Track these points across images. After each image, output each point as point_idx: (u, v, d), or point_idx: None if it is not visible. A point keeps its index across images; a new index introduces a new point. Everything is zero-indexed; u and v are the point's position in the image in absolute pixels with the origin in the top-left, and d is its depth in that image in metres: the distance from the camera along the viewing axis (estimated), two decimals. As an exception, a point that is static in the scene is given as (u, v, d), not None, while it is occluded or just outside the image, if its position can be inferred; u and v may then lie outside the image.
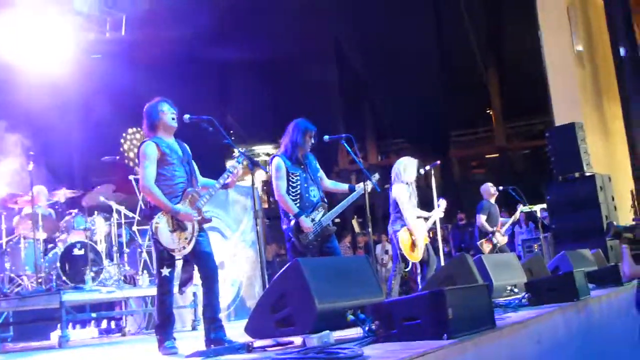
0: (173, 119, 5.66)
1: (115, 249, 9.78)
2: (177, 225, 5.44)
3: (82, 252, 9.05)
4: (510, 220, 11.47)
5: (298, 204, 6.57)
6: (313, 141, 6.73)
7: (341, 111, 25.10)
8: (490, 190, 11.28)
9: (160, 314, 5.53)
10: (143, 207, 5.54)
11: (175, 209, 5.42)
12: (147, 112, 5.69)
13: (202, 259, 5.58)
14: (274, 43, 22.35)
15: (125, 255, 9.94)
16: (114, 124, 19.51)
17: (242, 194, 11.59)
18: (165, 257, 5.48)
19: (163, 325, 5.52)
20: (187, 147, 5.83)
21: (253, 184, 6.00)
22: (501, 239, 10.96)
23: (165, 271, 5.49)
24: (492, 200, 11.26)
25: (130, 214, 10.14)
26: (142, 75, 20.40)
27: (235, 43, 22.09)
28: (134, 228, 10.24)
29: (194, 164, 5.81)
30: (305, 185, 6.66)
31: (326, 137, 6.93)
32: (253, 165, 5.69)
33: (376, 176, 7.04)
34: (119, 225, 9.98)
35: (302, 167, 6.71)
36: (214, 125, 5.70)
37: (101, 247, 9.45)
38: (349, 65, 24.15)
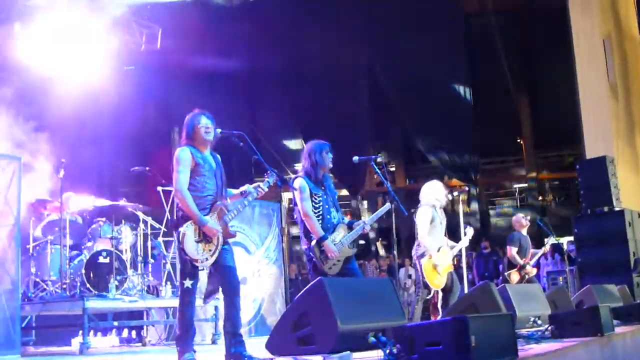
0: (207, 132, 5.68)
1: (140, 259, 9.85)
2: (203, 236, 5.47)
3: (107, 260, 9.12)
4: (540, 253, 11.35)
5: (321, 226, 6.58)
6: (331, 155, 6.76)
7: (370, 134, 25.12)
8: (522, 221, 11.19)
9: (182, 325, 5.53)
10: (170, 217, 5.59)
11: (202, 220, 5.45)
12: (186, 122, 5.75)
13: (224, 273, 5.59)
14: (305, 65, 22.47)
15: (150, 265, 9.99)
16: (144, 135, 19.72)
17: (268, 211, 11.61)
18: (188, 267, 5.48)
19: (183, 337, 5.51)
20: (219, 159, 5.86)
21: (280, 201, 6.02)
22: (530, 270, 10.86)
23: (188, 283, 5.48)
24: (524, 232, 11.16)
25: (157, 225, 10.20)
26: (173, 87, 20.64)
27: (267, 62, 22.25)
28: (160, 239, 10.30)
29: (224, 176, 5.83)
30: (327, 206, 6.68)
31: (355, 158, 6.94)
32: (282, 182, 5.70)
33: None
34: (145, 236, 10.05)
35: (323, 188, 6.74)
36: (244, 140, 5.72)
37: (126, 257, 9.51)
38: (379, 89, 24.16)
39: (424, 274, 8.32)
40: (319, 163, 6.69)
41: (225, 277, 5.60)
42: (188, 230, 5.43)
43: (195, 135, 5.67)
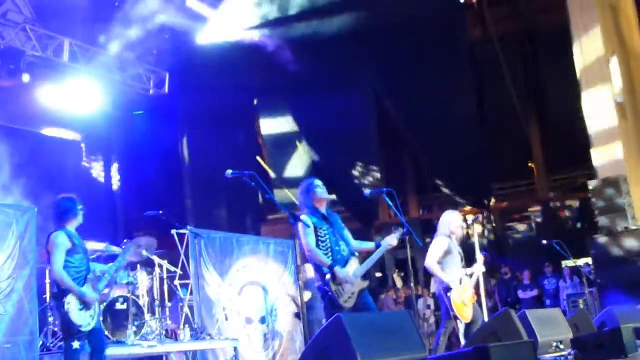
0: (82, 215, 6.66)
1: (157, 303, 9.81)
2: (84, 304, 6.33)
3: (124, 306, 9.10)
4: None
5: (330, 258, 6.57)
6: (320, 190, 6.81)
7: (381, 164, 25.05)
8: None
9: None
10: (54, 288, 6.40)
11: (82, 292, 6.30)
12: (61, 206, 6.57)
13: (96, 336, 6.56)
14: (310, 92, 22.46)
15: (167, 309, 9.96)
16: (155, 178, 19.77)
17: (283, 248, 11.57)
18: (74, 331, 6.25)
19: None
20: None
21: (294, 238, 6.01)
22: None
23: (76, 344, 6.26)
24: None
25: (172, 268, 10.18)
26: (183, 130, 20.69)
27: (275, 96, 22.35)
28: (176, 282, 10.27)
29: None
30: (334, 239, 6.70)
31: (367, 192, 6.96)
32: (294, 219, 5.72)
33: (400, 230, 6.96)
34: (161, 280, 10.02)
35: (328, 223, 6.75)
36: (255, 180, 5.77)
37: (143, 301, 9.48)
38: (388, 118, 24.13)
39: (453, 307, 8.15)
40: (311, 199, 6.79)
41: (97, 339, 6.56)
42: (72, 300, 6.28)
43: (72, 219, 6.55)
